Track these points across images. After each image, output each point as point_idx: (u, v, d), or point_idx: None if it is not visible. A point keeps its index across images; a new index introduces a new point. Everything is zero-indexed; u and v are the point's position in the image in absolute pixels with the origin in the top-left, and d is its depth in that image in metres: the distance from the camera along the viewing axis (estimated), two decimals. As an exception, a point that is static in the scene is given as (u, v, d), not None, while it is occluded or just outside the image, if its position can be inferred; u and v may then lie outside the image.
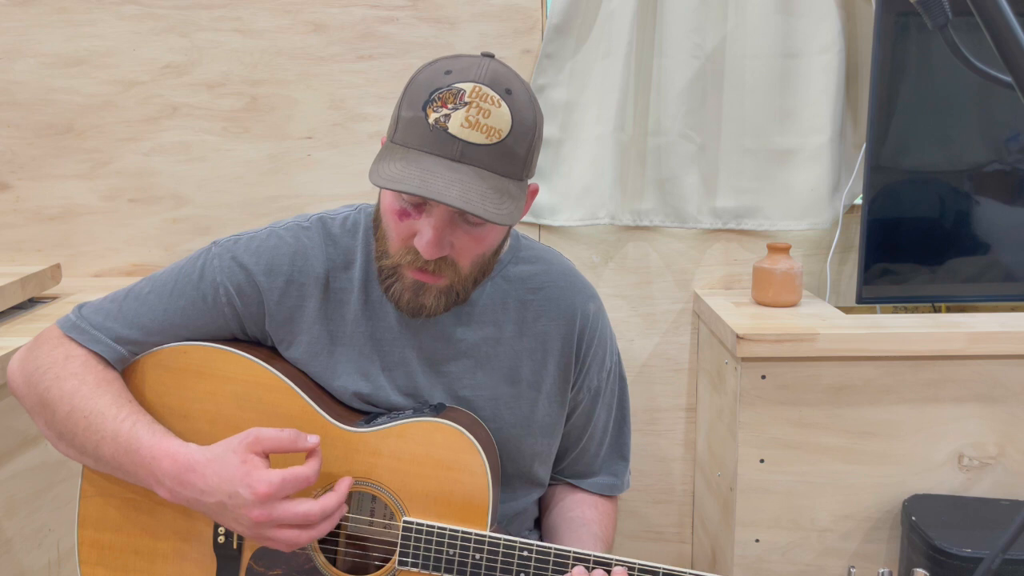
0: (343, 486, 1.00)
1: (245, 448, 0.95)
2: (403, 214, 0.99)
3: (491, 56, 1.00)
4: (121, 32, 1.75)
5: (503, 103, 0.95)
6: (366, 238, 1.10)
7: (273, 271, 1.08)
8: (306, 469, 0.96)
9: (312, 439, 0.98)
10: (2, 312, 1.52)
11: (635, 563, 0.98)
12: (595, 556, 0.99)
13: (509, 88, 0.97)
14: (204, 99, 1.78)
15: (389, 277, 1.03)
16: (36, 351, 1.07)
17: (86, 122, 1.78)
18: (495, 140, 0.94)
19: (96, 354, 1.06)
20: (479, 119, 0.93)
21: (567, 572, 0.99)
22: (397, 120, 0.99)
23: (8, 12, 1.74)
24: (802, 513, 1.57)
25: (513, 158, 0.97)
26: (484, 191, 0.93)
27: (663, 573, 0.98)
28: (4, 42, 1.75)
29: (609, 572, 0.98)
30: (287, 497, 0.94)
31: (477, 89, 0.94)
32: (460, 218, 0.98)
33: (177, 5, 1.75)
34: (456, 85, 0.94)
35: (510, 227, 1.08)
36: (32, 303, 1.62)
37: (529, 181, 1.04)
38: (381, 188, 0.96)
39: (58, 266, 1.69)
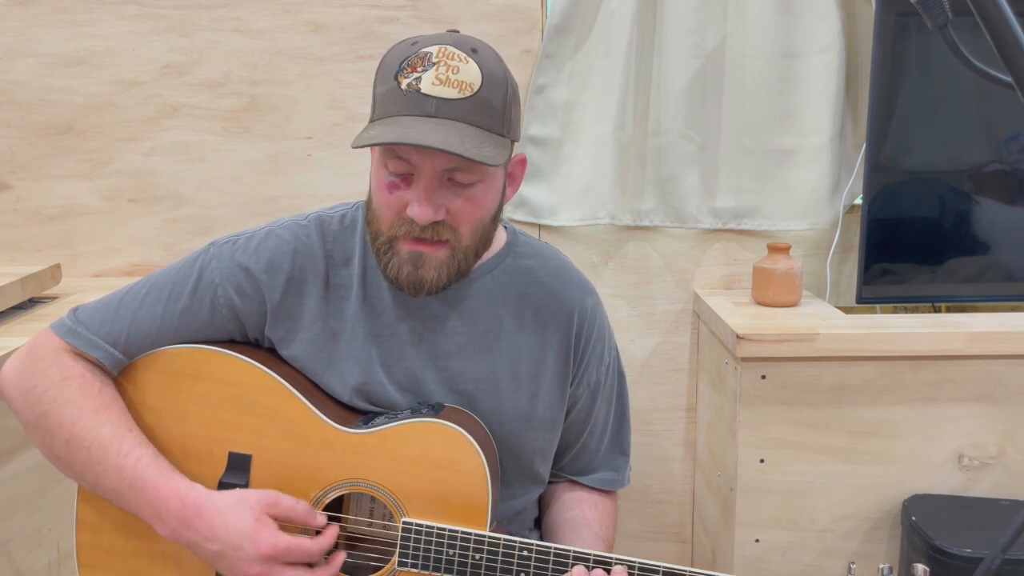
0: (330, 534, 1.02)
1: (262, 508, 0.98)
2: (392, 187, 1.00)
3: (455, 31, 1.02)
4: (121, 32, 1.75)
5: (470, 60, 0.98)
6: (364, 234, 1.10)
7: (274, 269, 1.08)
8: (314, 544, 0.98)
9: (321, 518, 1.01)
10: (2, 312, 1.52)
11: (635, 561, 0.98)
12: (595, 555, 0.99)
13: (475, 48, 1.00)
14: (204, 99, 1.78)
15: (386, 254, 1.03)
16: (32, 367, 1.05)
17: (86, 122, 1.78)
18: (468, 94, 0.96)
19: (93, 363, 1.06)
20: (449, 76, 0.96)
21: (567, 571, 0.99)
22: (374, 100, 1.01)
23: (8, 12, 1.74)
24: (802, 513, 1.57)
25: (489, 110, 0.98)
26: (463, 137, 0.95)
27: (663, 572, 0.98)
28: (4, 42, 1.75)
29: (609, 571, 0.98)
30: (288, 563, 0.97)
31: (443, 49, 0.97)
32: (449, 181, 1.00)
33: (177, 5, 1.75)
34: (423, 50, 0.97)
35: (503, 196, 1.08)
36: (32, 303, 1.61)
37: (515, 154, 1.05)
38: (363, 147, 0.98)
39: (58, 266, 1.69)
